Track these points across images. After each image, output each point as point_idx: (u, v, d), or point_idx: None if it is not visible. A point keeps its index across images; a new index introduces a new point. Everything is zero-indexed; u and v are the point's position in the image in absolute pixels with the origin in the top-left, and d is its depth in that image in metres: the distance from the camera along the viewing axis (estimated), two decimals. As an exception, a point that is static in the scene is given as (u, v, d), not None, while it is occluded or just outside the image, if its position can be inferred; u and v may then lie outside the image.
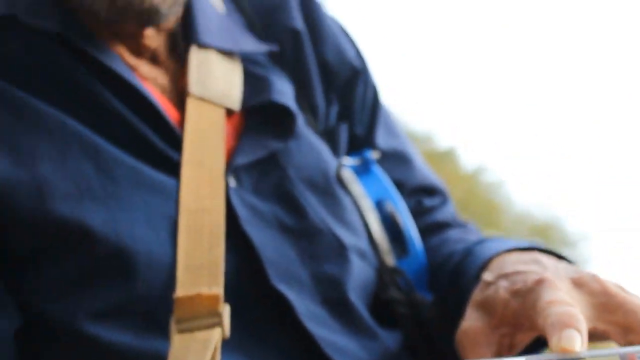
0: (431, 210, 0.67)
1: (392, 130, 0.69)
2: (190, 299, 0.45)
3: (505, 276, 0.45)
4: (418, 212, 0.65)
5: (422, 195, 0.67)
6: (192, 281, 0.46)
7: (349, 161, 0.61)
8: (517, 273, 0.44)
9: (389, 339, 0.53)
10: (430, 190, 0.68)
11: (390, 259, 0.58)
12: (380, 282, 0.56)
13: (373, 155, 0.62)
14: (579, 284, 0.42)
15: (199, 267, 0.47)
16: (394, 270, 0.57)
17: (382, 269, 0.57)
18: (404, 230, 0.59)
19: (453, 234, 0.64)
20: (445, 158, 5.44)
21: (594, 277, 0.42)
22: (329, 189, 0.57)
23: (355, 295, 0.53)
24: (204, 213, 0.49)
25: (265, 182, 0.54)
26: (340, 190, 0.58)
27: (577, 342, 0.35)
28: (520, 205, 6.13)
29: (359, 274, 0.54)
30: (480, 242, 0.56)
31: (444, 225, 0.66)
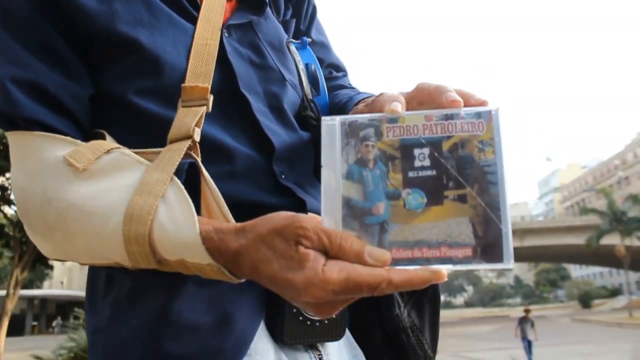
0: (336, 78, 1.06)
1: (320, 30, 1.08)
2: (191, 88, 0.73)
3: (365, 104, 0.74)
4: (328, 78, 1.04)
5: (332, 68, 1.07)
6: (194, 80, 0.73)
7: (294, 42, 0.96)
8: (368, 98, 0.76)
9: (304, 135, 0.85)
10: (337, 67, 1.09)
11: (309, 94, 0.92)
12: (302, 105, 0.89)
13: (308, 40, 0.98)
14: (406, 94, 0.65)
15: (199, 73, 0.74)
16: (311, 100, 0.91)
17: (304, 98, 0.90)
18: (319, 81, 0.95)
19: (346, 90, 1.00)
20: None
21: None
22: (282, 49, 0.90)
23: (287, 107, 0.85)
24: (207, 46, 0.77)
25: (244, 37, 0.85)
26: (287, 51, 0.91)
27: (399, 107, 0.54)
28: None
29: (291, 96, 0.87)
30: (358, 94, 0.93)
31: (342, 87, 1.03)
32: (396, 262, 0.50)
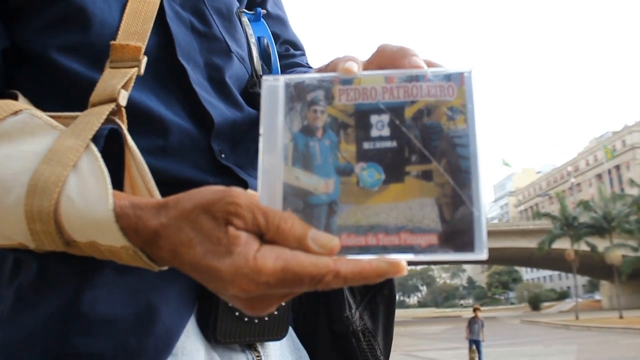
0: (293, 56, 0.99)
1: (278, 3, 1.00)
2: (122, 47, 0.64)
3: (317, 71, 0.64)
4: (284, 56, 0.96)
5: (289, 45, 1.00)
6: (126, 38, 0.66)
7: (247, 13, 0.89)
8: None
9: (250, 112, 0.77)
10: (295, 45, 1.01)
11: (259, 70, 0.84)
12: (251, 82, 0.81)
13: (262, 11, 0.91)
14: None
15: (133, 32, 0.66)
16: (261, 77, 0.83)
17: (254, 74, 0.83)
18: (272, 56, 0.87)
19: (302, 69, 0.95)
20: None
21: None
22: (230, 18, 0.81)
23: (231, 81, 0.76)
24: (145, 3, 0.69)
25: (188, 1, 0.76)
26: (237, 22, 0.83)
27: (355, 67, 0.47)
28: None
29: (237, 69, 0.79)
30: (312, 69, 0.85)
31: (298, 65, 0.97)
32: (346, 250, 0.42)
